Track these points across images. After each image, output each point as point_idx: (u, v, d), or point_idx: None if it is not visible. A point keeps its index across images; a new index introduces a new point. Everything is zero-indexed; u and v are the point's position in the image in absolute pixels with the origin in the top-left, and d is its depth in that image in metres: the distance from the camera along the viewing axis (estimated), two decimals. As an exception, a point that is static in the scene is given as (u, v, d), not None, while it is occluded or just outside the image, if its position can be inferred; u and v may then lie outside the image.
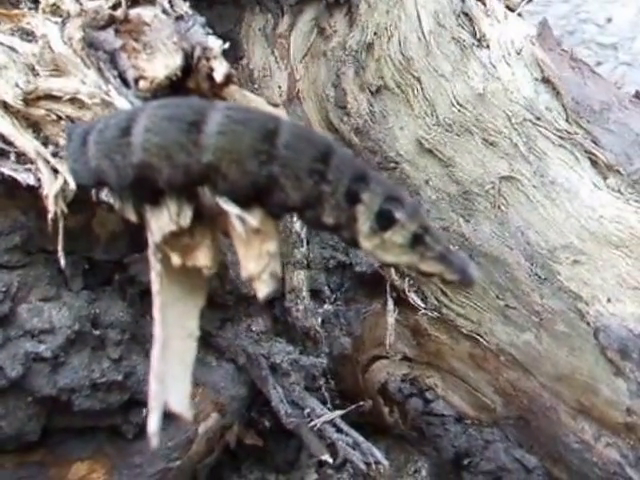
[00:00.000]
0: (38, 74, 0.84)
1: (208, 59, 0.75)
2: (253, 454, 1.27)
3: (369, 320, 1.18)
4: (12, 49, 0.87)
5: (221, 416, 1.10)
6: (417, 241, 0.64)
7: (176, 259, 0.65)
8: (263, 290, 0.61)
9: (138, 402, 1.01)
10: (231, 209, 0.62)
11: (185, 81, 0.75)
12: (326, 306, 1.15)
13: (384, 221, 0.63)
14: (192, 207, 0.64)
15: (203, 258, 0.65)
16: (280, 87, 1.15)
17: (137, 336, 1.03)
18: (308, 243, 1.15)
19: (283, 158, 0.61)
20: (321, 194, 0.62)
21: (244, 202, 0.62)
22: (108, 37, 0.78)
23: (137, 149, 0.62)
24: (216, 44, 0.78)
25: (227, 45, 0.78)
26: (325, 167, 0.62)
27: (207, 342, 1.12)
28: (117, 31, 0.78)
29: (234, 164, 0.60)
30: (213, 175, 0.61)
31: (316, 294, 1.15)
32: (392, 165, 1.12)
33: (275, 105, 0.79)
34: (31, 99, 0.83)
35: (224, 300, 1.10)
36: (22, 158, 0.85)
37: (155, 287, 0.64)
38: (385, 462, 1.03)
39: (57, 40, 0.83)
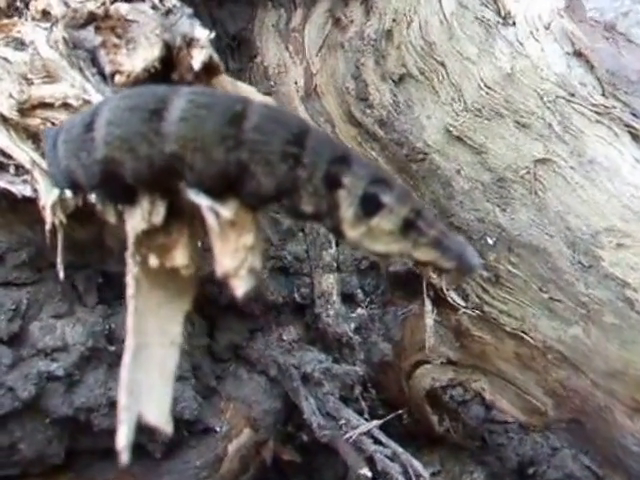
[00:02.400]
0: (32, 82, 0.81)
1: (190, 48, 0.70)
2: (301, 470, 1.21)
3: (409, 323, 1.11)
4: (5, 60, 0.84)
5: (254, 432, 1.04)
6: (409, 226, 0.57)
7: (153, 260, 0.60)
8: (240, 287, 0.56)
9: (163, 420, 0.97)
10: (202, 201, 0.57)
11: (169, 74, 0.71)
12: (360, 310, 1.09)
13: (370, 206, 0.57)
14: (165, 203, 0.60)
15: (180, 257, 0.60)
16: (296, 83, 1.10)
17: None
18: (337, 245, 1.09)
19: (252, 142, 0.55)
20: (297, 180, 0.56)
21: (217, 193, 0.57)
22: (88, 35, 0.75)
23: (100, 144, 0.57)
24: (202, 34, 0.73)
25: (213, 35, 0.73)
26: (300, 150, 0.56)
27: (237, 354, 1.07)
28: (98, 28, 0.75)
29: (199, 152, 0.55)
30: (179, 166, 0.56)
31: (348, 298, 1.09)
32: (420, 157, 1.05)
33: (267, 94, 0.74)
34: (26, 109, 0.80)
35: (251, 309, 1.05)
36: (21, 170, 0.83)
37: (130, 291, 0.59)
38: (426, 474, 0.96)
39: (44, 45, 0.80)
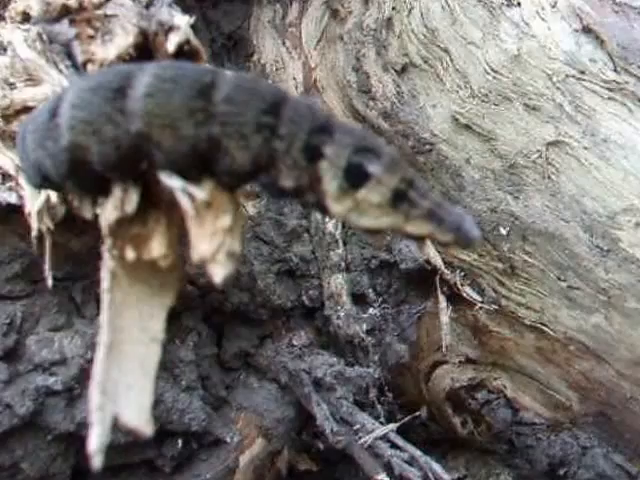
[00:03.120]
0: (14, 86, 0.79)
1: (167, 35, 0.67)
2: (322, 477, 1.16)
3: (424, 322, 1.07)
4: (-12, 65, 0.81)
5: (267, 441, 1.00)
6: (399, 198, 0.53)
7: (130, 253, 0.56)
8: (219, 272, 0.52)
9: (171, 433, 0.93)
10: (174, 183, 0.53)
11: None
12: (372, 310, 1.04)
13: (355, 177, 0.52)
14: (138, 191, 0.56)
15: (157, 247, 0.56)
16: (295, 78, 1.07)
17: (164, 362, 0.95)
18: (345, 244, 1.05)
19: (223, 115, 0.51)
20: (274, 153, 0.52)
21: (191, 174, 0.53)
22: (62, 28, 0.72)
23: (64, 129, 0.54)
24: (182, 20, 0.70)
25: (193, 19, 0.70)
26: (275, 120, 0.52)
27: (247, 363, 1.04)
28: (72, 21, 0.72)
29: (167, 129, 0.51)
30: (146, 146, 0.52)
31: (359, 298, 1.05)
32: (427, 147, 1.01)
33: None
34: (9, 114, 0.78)
35: (258, 315, 1.01)
36: (6, 178, 0.80)
37: (104, 284, 0.56)
38: (446, 477, 0.91)
39: (22, 45, 0.77)
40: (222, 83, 0.52)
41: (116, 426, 0.88)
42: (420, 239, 0.54)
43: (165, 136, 0.52)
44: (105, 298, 0.55)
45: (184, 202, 0.52)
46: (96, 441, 0.49)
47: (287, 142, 0.52)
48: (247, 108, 0.52)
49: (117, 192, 0.56)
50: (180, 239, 0.58)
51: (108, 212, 0.56)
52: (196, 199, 0.53)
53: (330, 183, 0.52)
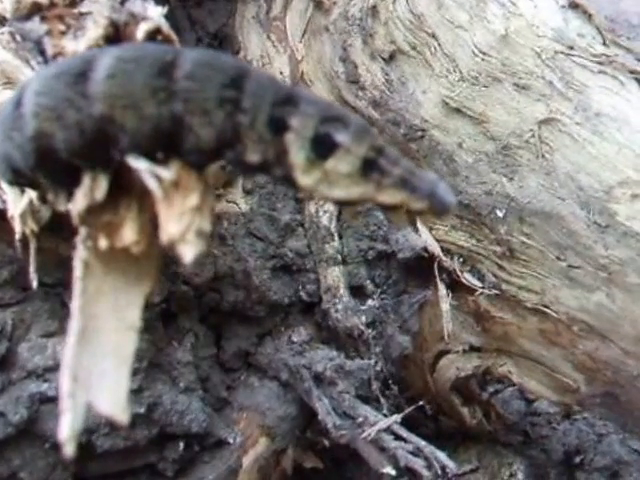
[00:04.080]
0: (-7, 91, 0.78)
1: (137, 24, 0.66)
2: (331, 478, 1.14)
3: (426, 312, 1.05)
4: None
5: (271, 440, 0.98)
6: (369, 167, 0.51)
7: (103, 241, 0.55)
8: (188, 252, 0.50)
9: (171, 436, 0.92)
10: (140, 165, 0.52)
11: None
12: (371, 302, 1.02)
13: (322, 148, 0.51)
14: (108, 177, 0.55)
15: (129, 233, 0.55)
16: (282, 72, 1.05)
17: (162, 364, 0.93)
18: (340, 236, 1.03)
19: (185, 92, 0.50)
20: (238, 127, 0.51)
21: (157, 155, 0.52)
22: (34, 25, 0.71)
23: (29, 117, 0.53)
24: (155, 11, 0.69)
25: (166, 10, 0.69)
26: (238, 93, 0.51)
27: (246, 362, 1.02)
28: (44, 18, 0.71)
29: (130, 110, 0.50)
30: (110, 128, 0.51)
31: (358, 291, 1.03)
32: (419, 134, 1.00)
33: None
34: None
35: (255, 313, 1.00)
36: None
37: (76, 273, 0.55)
38: (452, 464, 0.88)
39: (-2, 48, 0.76)
40: (183, 60, 0.51)
41: (115, 429, 0.88)
42: (393, 208, 0.52)
43: (128, 117, 0.51)
44: (77, 286, 0.54)
45: (151, 183, 0.51)
46: (67, 429, 0.48)
47: (251, 115, 0.51)
48: (209, 83, 0.51)
49: (86, 180, 0.55)
50: (154, 225, 0.57)
51: (78, 200, 0.55)
52: (163, 180, 0.51)
53: (297, 155, 0.51)
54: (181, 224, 0.51)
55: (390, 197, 0.51)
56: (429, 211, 0.52)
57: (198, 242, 0.50)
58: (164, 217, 0.51)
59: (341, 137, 0.51)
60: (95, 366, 0.51)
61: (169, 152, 0.52)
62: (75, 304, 0.53)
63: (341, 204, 0.54)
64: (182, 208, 0.51)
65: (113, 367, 0.52)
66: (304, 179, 0.51)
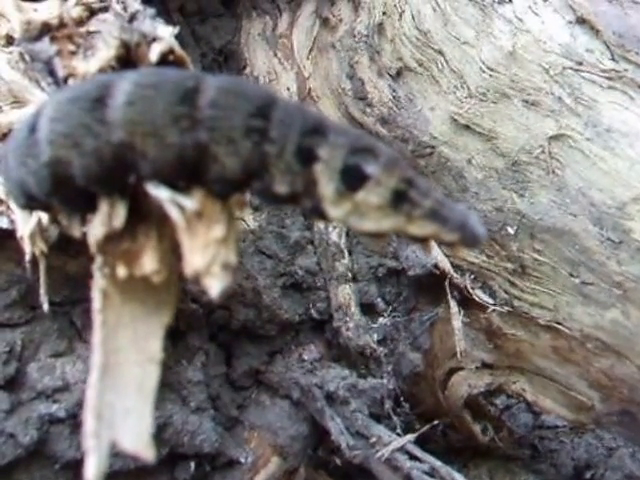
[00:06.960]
0: (1, 109, 0.77)
1: (149, 45, 0.66)
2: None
3: (437, 329, 1.04)
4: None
5: (283, 460, 0.97)
6: (400, 199, 0.51)
7: (121, 270, 0.54)
8: (215, 286, 0.49)
9: (182, 456, 0.91)
10: (162, 194, 0.51)
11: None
12: (382, 320, 1.02)
13: (352, 179, 0.50)
14: (126, 204, 0.54)
15: (149, 262, 0.54)
16: (289, 89, 1.05)
17: (171, 383, 0.93)
18: (350, 253, 1.02)
19: (209, 120, 0.50)
20: (265, 157, 0.50)
21: (179, 183, 0.52)
22: (44, 46, 0.70)
23: (44, 144, 0.52)
24: (166, 31, 0.69)
25: (177, 30, 0.68)
26: (265, 123, 0.50)
27: (257, 380, 1.01)
28: (54, 38, 0.70)
29: (151, 137, 0.50)
30: (130, 156, 0.50)
31: (369, 308, 1.02)
32: (428, 151, 0.99)
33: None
34: (-5, 140, 0.76)
35: (266, 331, 0.99)
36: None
37: (96, 305, 0.54)
38: (468, 485, 0.88)
39: (6, 67, 0.76)
40: (206, 87, 0.50)
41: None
42: (424, 240, 0.52)
43: (149, 144, 0.50)
44: (97, 319, 0.53)
45: (173, 213, 0.50)
46: (93, 469, 0.47)
47: (279, 145, 0.50)
48: (234, 112, 0.50)
49: (104, 207, 0.54)
50: (174, 253, 0.56)
51: (95, 228, 0.54)
52: (186, 210, 0.51)
53: (326, 186, 0.50)
54: (206, 256, 0.50)
55: (421, 229, 0.51)
56: (460, 243, 0.51)
57: (224, 275, 0.50)
58: (188, 248, 0.51)
59: (371, 169, 0.50)
60: (118, 402, 0.51)
61: (191, 180, 0.52)
62: (96, 338, 0.52)
63: (372, 236, 0.53)
64: (206, 239, 0.50)
65: (136, 403, 0.52)
66: (334, 211, 0.51)
